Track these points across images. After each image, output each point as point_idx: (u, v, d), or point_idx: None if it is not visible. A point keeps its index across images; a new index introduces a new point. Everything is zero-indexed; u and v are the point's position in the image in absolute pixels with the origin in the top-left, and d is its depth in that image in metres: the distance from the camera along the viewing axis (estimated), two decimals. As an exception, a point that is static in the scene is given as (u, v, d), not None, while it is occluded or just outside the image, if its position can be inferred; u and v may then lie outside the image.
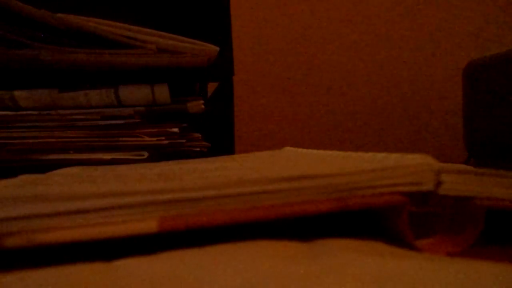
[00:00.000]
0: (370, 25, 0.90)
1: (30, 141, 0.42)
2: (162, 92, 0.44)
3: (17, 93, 0.43)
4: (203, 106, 0.47)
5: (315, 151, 0.33)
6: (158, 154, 0.44)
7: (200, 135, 0.47)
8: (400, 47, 0.90)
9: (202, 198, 0.17)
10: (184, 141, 0.45)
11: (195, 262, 0.16)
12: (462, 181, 0.19)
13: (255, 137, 0.89)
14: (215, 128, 0.51)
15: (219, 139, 0.50)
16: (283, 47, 0.89)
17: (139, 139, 0.44)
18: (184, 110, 0.46)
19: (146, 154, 0.43)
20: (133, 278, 0.15)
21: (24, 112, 0.43)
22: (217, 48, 0.46)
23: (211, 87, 0.56)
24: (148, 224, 0.16)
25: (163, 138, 0.44)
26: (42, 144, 0.43)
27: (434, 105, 0.90)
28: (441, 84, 0.90)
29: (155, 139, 0.44)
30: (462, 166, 0.19)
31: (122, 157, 0.43)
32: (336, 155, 0.29)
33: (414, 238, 0.18)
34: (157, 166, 0.33)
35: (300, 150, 0.37)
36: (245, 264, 0.16)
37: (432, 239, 0.19)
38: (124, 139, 0.44)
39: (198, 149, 0.47)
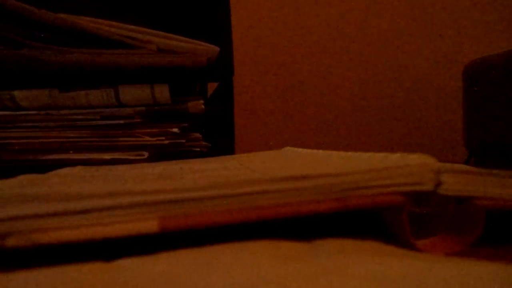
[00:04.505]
0: (370, 25, 0.90)
1: (30, 141, 0.42)
2: (162, 92, 0.44)
3: (17, 93, 0.43)
4: (203, 106, 0.47)
5: (315, 151, 0.33)
6: (158, 154, 0.44)
7: (200, 135, 0.47)
8: (401, 47, 0.90)
9: (202, 198, 0.17)
10: (184, 141, 0.45)
11: (195, 262, 0.16)
12: (462, 181, 0.19)
13: (255, 137, 0.89)
14: (215, 128, 0.51)
15: (219, 139, 0.50)
16: (283, 47, 0.89)
17: (139, 139, 0.44)
18: (185, 110, 0.46)
19: (146, 154, 0.43)
20: (133, 278, 0.15)
21: (24, 112, 0.43)
22: (217, 48, 0.46)
23: (211, 87, 0.56)
24: (148, 224, 0.16)
25: (163, 138, 0.44)
26: (42, 144, 0.43)
27: (434, 105, 0.90)
28: (441, 84, 0.90)
29: (155, 139, 0.44)
30: (462, 166, 0.19)
31: (122, 157, 0.43)
32: (335, 155, 0.29)
33: (414, 238, 0.18)
34: (157, 166, 0.33)
35: (300, 150, 0.37)
36: (245, 264, 0.16)
37: (432, 239, 0.19)
38: (124, 139, 0.44)
39: (198, 149, 0.47)
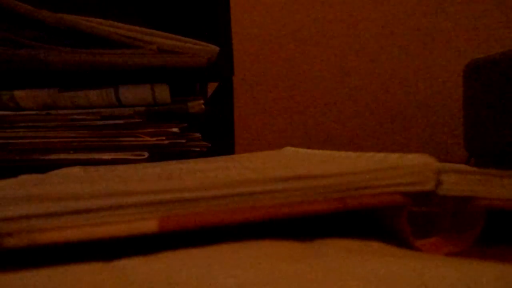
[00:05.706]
0: (370, 25, 0.90)
1: (30, 141, 0.42)
2: (162, 92, 0.44)
3: (17, 93, 0.43)
4: (203, 106, 0.47)
5: (315, 151, 0.33)
6: (158, 154, 0.44)
7: (200, 135, 0.47)
8: (401, 47, 0.90)
9: (202, 198, 0.17)
10: (184, 141, 0.45)
11: (195, 262, 0.16)
12: (462, 181, 0.19)
13: (255, 137, 0.89)
14: (215, 128, 0.51)
15: (219, 139, 0.50)
16: (283, 47, 0.89)
17: (139, 139, 0.44)
18: (184, 110, 0.46)
19: (146, 154, 0.43)
20: (133, 278, 0.15)
21: (24, 112, 0.43)
22: (217, 48, 0.46)
23: (211, 87, 0.56)
24: (148, 224, 0.16)
25: (163, 138, 0.44)
26: (42, 144, 0.43)
27: (434, 105, 0.90)
28: (441, 84, 0.90)
29: (155, 139, 0.44)
30: (462, 166, 0.19)
31: (122, 157, 0.43)
32: (336, 155, 0.29)
33: (414, 238, 0.18)
34: (157, 166, 0.33)
35: (300, 150, 0.37)
36: (245, 264, 0.16)
37: (432, 239, 0.19)
38: (124, 139, 0.43)
39: (198, 149, 0.47)
